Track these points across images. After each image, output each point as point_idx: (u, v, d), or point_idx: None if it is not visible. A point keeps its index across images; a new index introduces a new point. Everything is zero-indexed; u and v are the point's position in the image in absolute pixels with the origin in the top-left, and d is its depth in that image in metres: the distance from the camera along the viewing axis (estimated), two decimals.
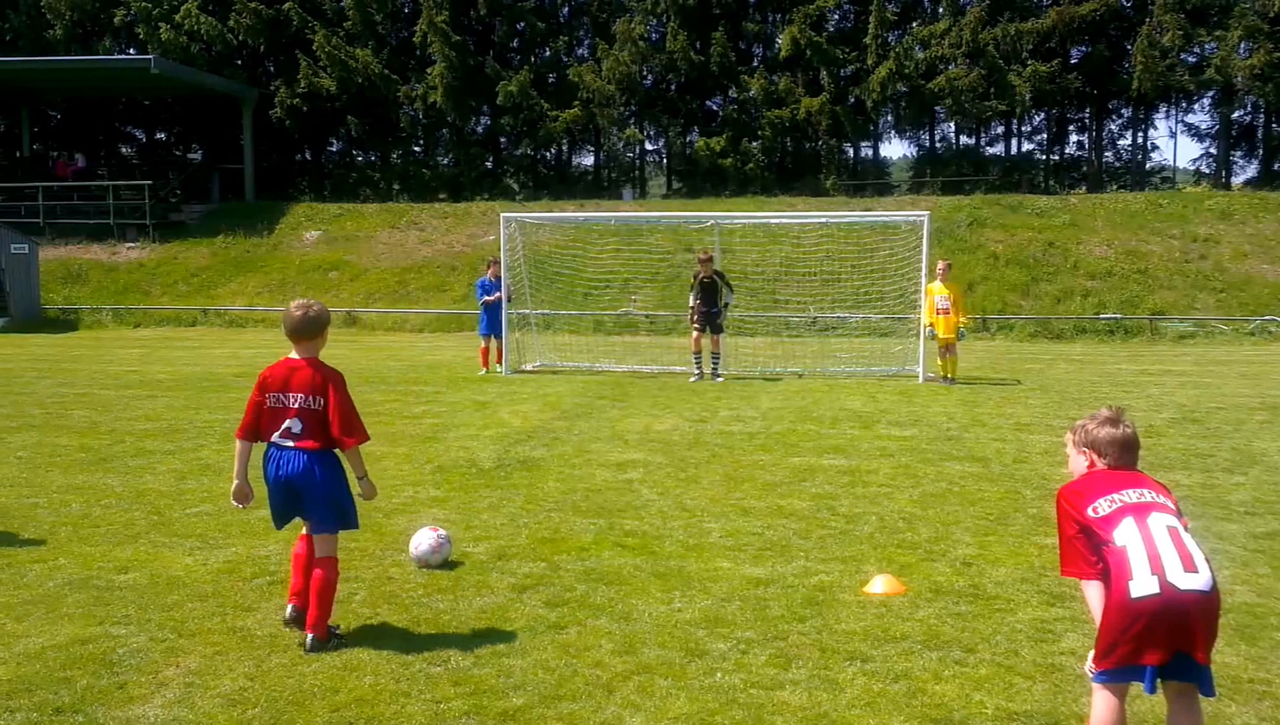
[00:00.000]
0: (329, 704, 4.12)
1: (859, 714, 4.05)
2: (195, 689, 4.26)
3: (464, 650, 4.65)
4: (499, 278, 16.23)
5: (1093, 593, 3.37)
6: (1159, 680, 3.29)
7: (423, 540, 5.90)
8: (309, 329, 4.81)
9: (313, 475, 4.69)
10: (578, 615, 5.11)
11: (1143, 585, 3.18)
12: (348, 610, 5.16)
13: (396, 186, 38.59)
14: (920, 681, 4.34)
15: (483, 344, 16.43)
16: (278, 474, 4.75)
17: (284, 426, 4.72)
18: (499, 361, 16.20)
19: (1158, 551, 3.21)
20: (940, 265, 14.94)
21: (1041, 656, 4.61)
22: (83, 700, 4.15)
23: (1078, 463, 3.57)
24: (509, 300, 16.39)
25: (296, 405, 4.71)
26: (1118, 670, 3.28)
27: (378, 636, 4.82)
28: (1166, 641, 3.17)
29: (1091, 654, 3.39)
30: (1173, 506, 3.38)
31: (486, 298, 16.23)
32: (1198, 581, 3.19)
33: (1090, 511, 3.36)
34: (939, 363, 14.82)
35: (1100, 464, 3.50)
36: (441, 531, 6.04)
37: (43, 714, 4.03)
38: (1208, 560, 3.27)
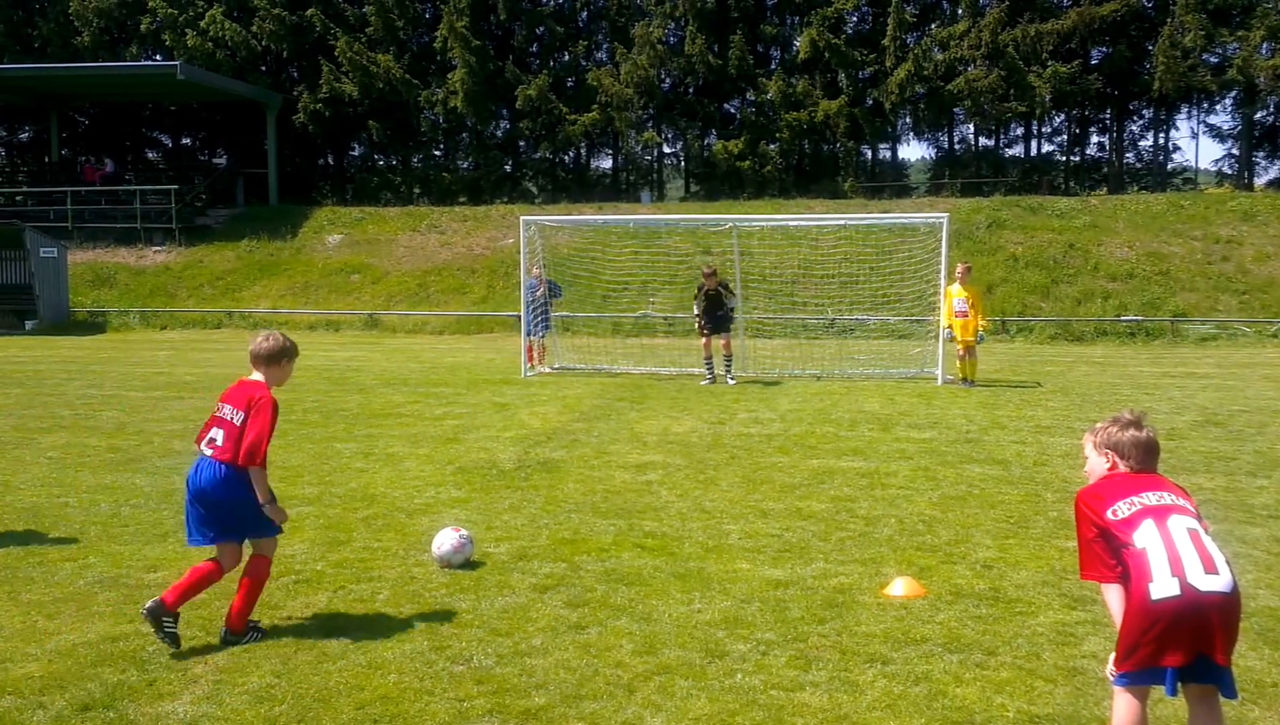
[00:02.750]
0: (354, 701, 4.18)
1: (879, 716, 4.07)
2: (223, 686, 4.33)
3: (486, 649, 4.70)
4: (539, 278, 16.93)
5: (1113, 596, 3.38)
6: (1180, 683, 3.29)
7: (445, 541, 5.97)
8: (264, 359, 5.07)
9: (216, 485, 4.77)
10: (598, 616, 5.15)
11: (1163, 587, 3.18)
12: (371, 609, 5.23)
13: (417, 190, 38.84)
14: (941, 684, 4.35)
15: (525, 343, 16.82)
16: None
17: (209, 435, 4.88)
18: (530, 361, 16.46)
19: (1178, 553, 3.21)
20: (959, 267, 14.89)
21: (1063, 659, 4.61)
22: (113, 696, 4.23)
23: (1097, 464, 3.57)
24: (554, 297, 17.21)
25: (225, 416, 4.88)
26: (1139, 673, 3.28)
27: (401, 635, 4.88)
28: (1187, 643, 3.17)
29: (1113, 657, 3.39)
30: (1192, 509, 3.38)
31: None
32: (1218, 583, 3.18)
33: (1109, 514, 3.36)
34: (958, 365, 14.78)
35: (1122, 466, 3.49)
36: (464, 532, 6.10)
37: (74, 710, 4.11)
38: (1228, 562, 3.27)
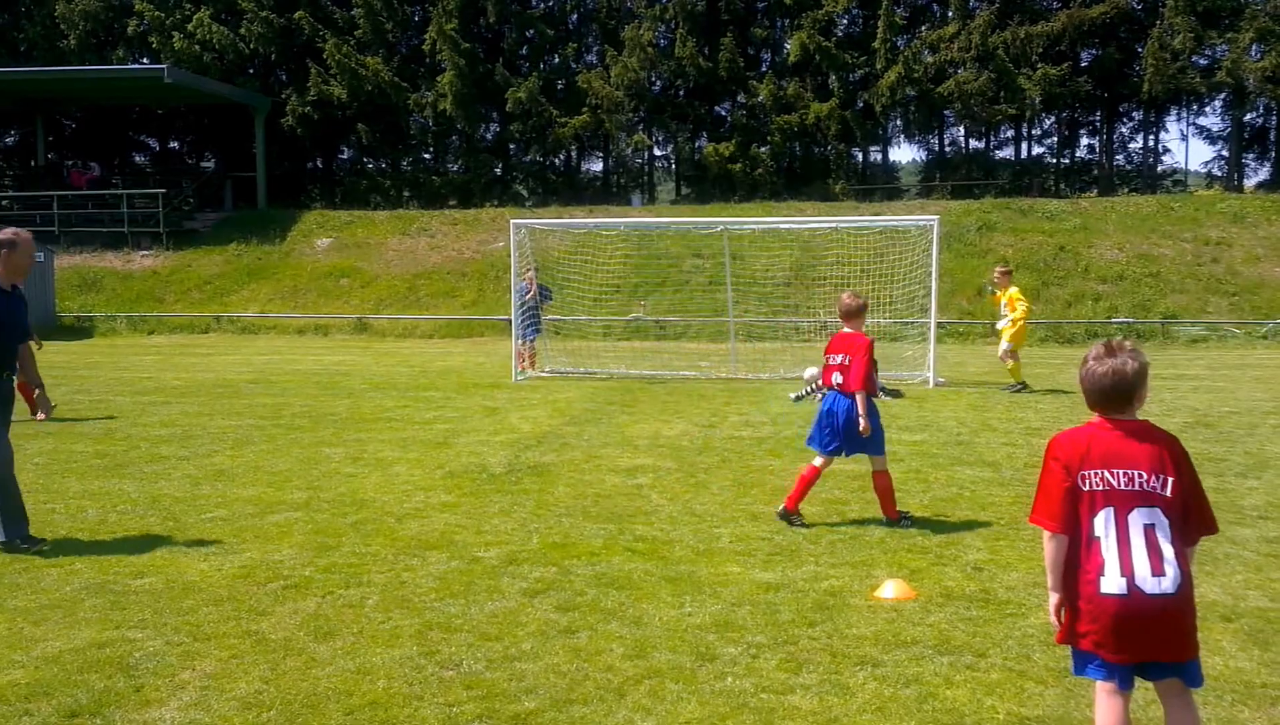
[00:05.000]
0: (343, 707, 4.15)
1: (870, 719, 4.06)
2: (211, 692, 4.30)
3: (476, 654, 4.68)
4: (529, 282, 16.91)
5: (1054, 548, 3.29)
6: (1149, 680, 3.33)
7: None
8: (850, 314, 6.97)
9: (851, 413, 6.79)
10: (589, 620, 5.13)
11: (1111, 583, 3.17)
12: (361, 614, 5.20)
13: (407, 193, 38.78)
14: (931, 686, 4.34)
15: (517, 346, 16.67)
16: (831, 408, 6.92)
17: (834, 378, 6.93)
18: (520, 364, 16.40)
19: (1130, 553, 3.16)
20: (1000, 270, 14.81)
21: (1053, 661, 4.61)
22: (100, 703, 4.19)
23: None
24: (544, 301, 17.25)
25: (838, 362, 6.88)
26: (1096, 663, 3.27)
27: (391, 640, 4.85)
28: (1131, 644, 3.18)
29: (1051, 604, 3.32)
30: (1164, 488, 3.20)
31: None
32: (1165, 584, 3.14)
33: (1079, 480, 3.24)
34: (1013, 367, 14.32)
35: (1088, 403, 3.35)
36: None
37: (60, 717, 4.07)
38: (1178, 556, 3.18)
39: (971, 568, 6.00)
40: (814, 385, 13.54)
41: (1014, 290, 14.39)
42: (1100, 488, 3.22)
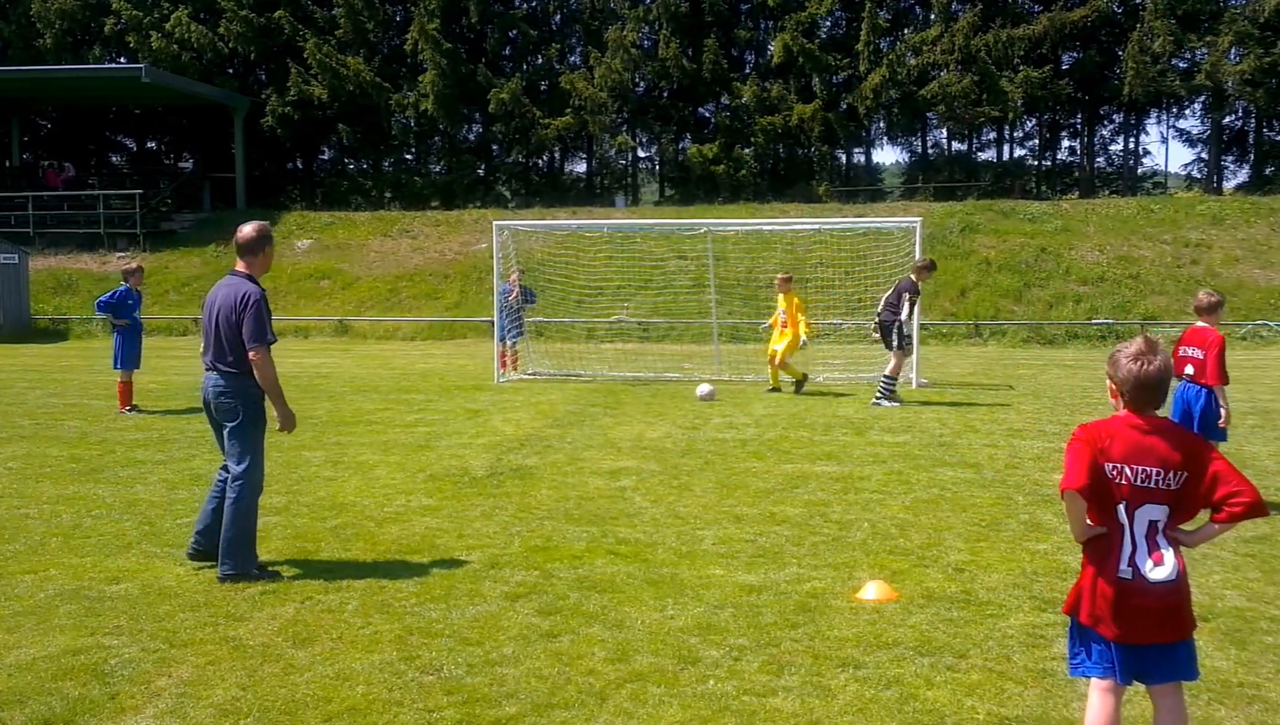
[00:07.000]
0: (321, 713, 4.11)
1: (851, 720, 4.05)
2: (187, 699, 4.24)
3: (457, 659, 4.64)
4: (514, 282, 16.77)
5: (1071, 503, 3.33)
6: (1144, 684, 3.38)
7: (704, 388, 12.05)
8: (1213, 310, 7.40)
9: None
10: (570, 623, 5.10)
11: (1119, 569, 3.30)
12: (340, 619, 5.16)
13: (388, 194, 38.60)
14: (912, 687, 4.35)
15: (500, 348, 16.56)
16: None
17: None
18: (503, 366, 16.29)
19: (1135, 543, 3.30)
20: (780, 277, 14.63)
21: (1033, 662, 4.62)
22: (74, 711, 4.13)
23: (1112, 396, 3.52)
24: (527, 303, 17.15)
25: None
26: (1094, 659, 3.35)
27: (370, 646, 4.81)
28: (1130, 626, 3.26)
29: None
30: (1177, 484, 3.27)
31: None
32: (1163, 572, 3.27)
33: (1103, 470, 3.32)
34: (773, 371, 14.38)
35: (1121, 404, 3.41)
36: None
37: None
38: (1174, 548, 3.32)
39: (953, 569, 6.01)
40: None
41: (797, 299, 14.19)
42: (1118, 483, 3.32)
